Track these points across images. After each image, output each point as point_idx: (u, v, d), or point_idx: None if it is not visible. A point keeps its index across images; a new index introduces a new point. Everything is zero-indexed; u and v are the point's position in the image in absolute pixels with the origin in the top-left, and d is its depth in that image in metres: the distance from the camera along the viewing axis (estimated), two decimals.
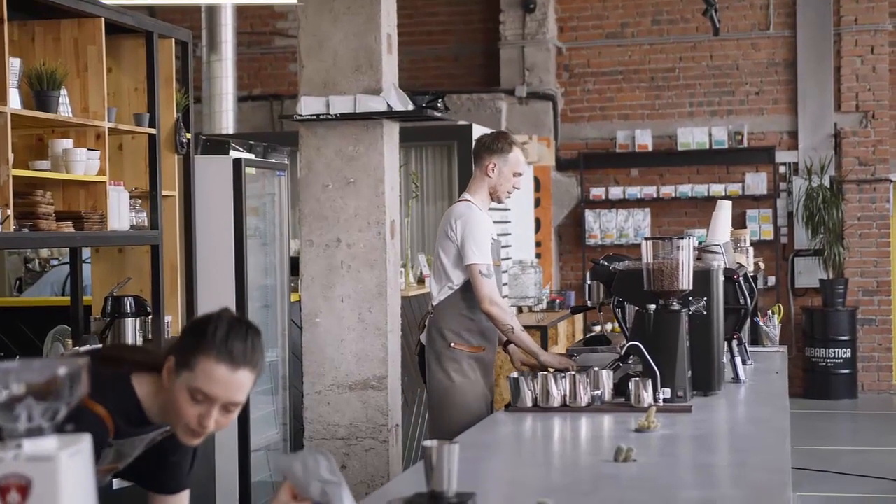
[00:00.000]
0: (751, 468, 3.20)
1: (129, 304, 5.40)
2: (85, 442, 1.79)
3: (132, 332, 5.39)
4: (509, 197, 5.39)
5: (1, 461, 1.71)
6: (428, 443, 2.74)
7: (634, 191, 12.73)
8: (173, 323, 5.81)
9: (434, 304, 5.27)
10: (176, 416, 2.58)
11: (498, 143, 5.26)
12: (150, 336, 5.57)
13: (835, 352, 12.10)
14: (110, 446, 2.63)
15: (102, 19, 5.15)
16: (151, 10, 12.67)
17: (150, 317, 5.53)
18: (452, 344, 5.16)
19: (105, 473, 2.73)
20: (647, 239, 4.44)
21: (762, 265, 9.86)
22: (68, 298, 5.72)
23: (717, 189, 12.47)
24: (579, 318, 11.28)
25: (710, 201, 12.38)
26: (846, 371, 12.14)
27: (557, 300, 11.16)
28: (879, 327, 12.48)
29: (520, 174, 5.29)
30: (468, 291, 5.15)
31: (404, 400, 6.54)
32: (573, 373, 4.30)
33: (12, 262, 9.06)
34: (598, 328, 12.18)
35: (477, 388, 5.17)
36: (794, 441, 9.16)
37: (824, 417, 11.40)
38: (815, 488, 8.23)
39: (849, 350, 12.12)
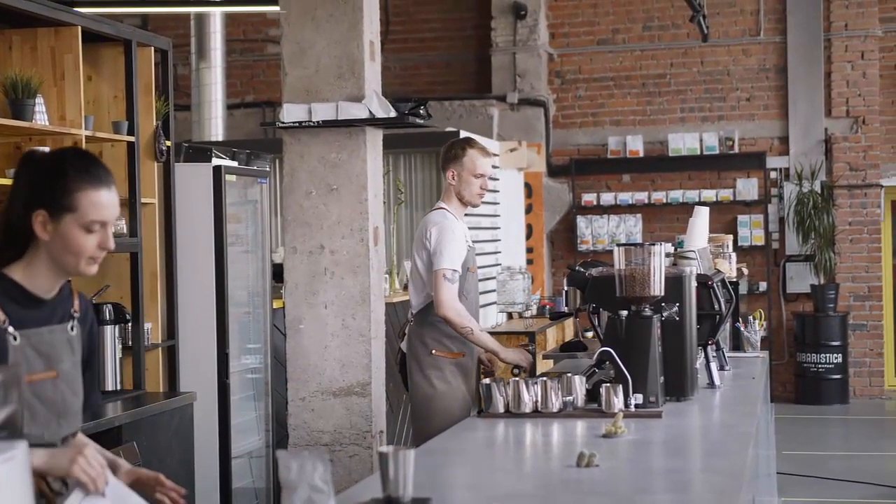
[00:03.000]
0: (708, 472, 3.22)
1: (108, 312, 5.41)
2: (20, 449, 1.81)
3: (111, 339, 5.40)
4: (481, 198, 5.44)
5: None
6: (383, 449, 2.76)
7: (626, 197, 12.75)
8: (153, 330, 5.82)
9: (414, 312, 5.35)
10: (74, 257, 2.66)
11: (451, 150, 5.40)
12: (129, 343, 5.59)
13: (826, 357, 12.11)
14: (15, 338, 2.62)
15: (79, 28, 5.17)
16: (144, 19, 12.72)
17: (129, 324, 5.55)
18: (434, 351, 5.24)
19: (44, 384, 2.68)
20: (619, 245, 4.45)
21: (745, 271, 9.85)
22: None
23: (709, 195, 12.48)
24: (569, 323, 11.29)
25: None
26: (837, 376, 12.14)
27: (548, 306, 11.17)
28: (871, 332, 12.49)
29: (481, 175, 5.35)
30: None
31: (389, 406, 6.56)
32: (545, 379, 4.30)
33: None
34: (590, 334, 12.20)
35: (458, 394, 5.23)
36: (784, 446, 9.20)
37: (815, 423, 11.41)
38: (804, 494, 8.24)
39: (840, 355, 12.13)
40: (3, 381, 1.78)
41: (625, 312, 4.38)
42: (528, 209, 12.34)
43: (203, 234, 6.20)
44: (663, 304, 4.46)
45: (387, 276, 8.12)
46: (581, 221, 12.83)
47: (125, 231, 5.56)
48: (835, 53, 12.50)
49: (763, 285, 12.43)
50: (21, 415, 2.49)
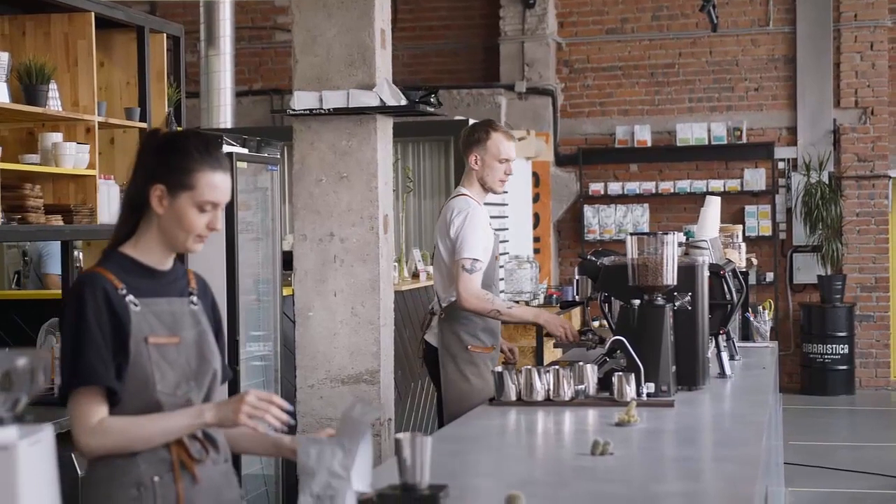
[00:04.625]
0: (723, 461, 3.22)
1: None
2: (45, 433, 1.81)
3: None
4: (504, 184, 5.28)
5: None
6: (400, 435, 2.76)
7: (633, 186, 12.75)
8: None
9: (444, 304, 5.18)
10: (185, 233, 2.79)
11: (475, 133, 5.22)
12: None
13: (832, 348, 12.11)
14: (135, 305, 2.75)
15: (92, 14, 5.17)
16: (152, 6, 12.71)
17: None
18: (469, 346, 5.11)
19: (168, 348, 2.80)
20: (631, 234, 4.45)
21: (755, 261, 9.87)
22: (60, 292, 5.73)
23: (716, 185, 12.48)
24: (577, 312, 11.30)
25: None
26: (844, 367, 12.15)
27: (555, 295, 11.17)
28: (877, 323, 12.49)
29: (505, 160, 5.19)
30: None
31: (397, 394, 6.56)
32: (558, 368, 4.30)
33: (11, 255, 9.08)
34: (596, 323, 12.20)
35: (491, 388, 5.13)
36: (790, 436, 9.21)
37: (821, 413, 11.41)
38: (810, 484, 8.25)
39: (846, 346, 12.13)
40: (28, 365, 1.79)
41: (637, 301, 4.38)
42: (536, 198, 12.33)
43: None
44: (676, 294, 4.45)
45: (395, 264, 8.12)
46: (588, 211, 12.83)
47: None
48: (844, 44, 12.47)
49: (770, 276, 12.43)
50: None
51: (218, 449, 2.89)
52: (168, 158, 2.79)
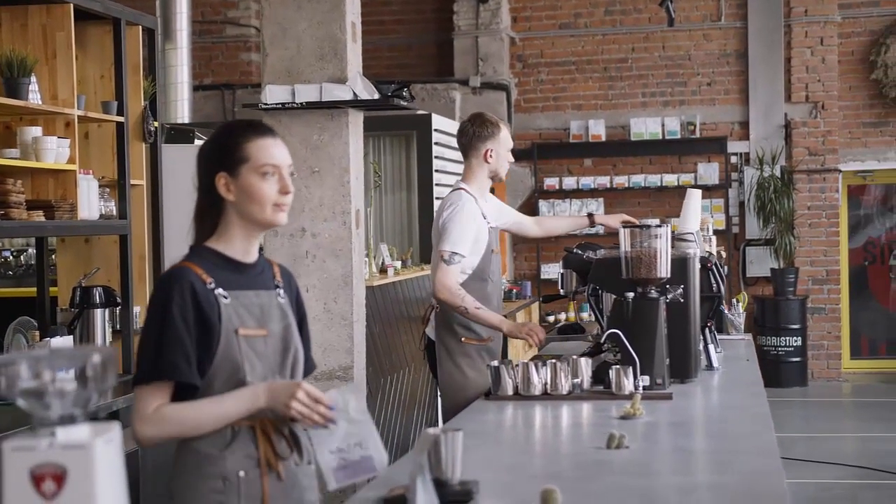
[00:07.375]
0: (742, 454, 3.21)
1: (97, 295, 5.32)
2: (115, 430, 1.77)
3: (101, 322, 5.32)
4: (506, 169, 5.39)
5: (35, 450, 1.69)
6: (432, 430, 2.73)
7: (588, 181, 12.79)
8: (142, 313, 5.74)
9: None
10: (259, 205, 2.81)
11: (487, 128, 5.23)
12: (118, 327, 5.50)
13: (785, 340, 12.24)
14: (225, 297, 2.79)
15: (71, 5, 5.07)
16: None
17: (118, 307, 5.47)
18: (463, 339, 5.11)
19: (256, 340, 2.82)
20: (625, 226, 4.45)
21: (724, 253, 9.95)
22: (34, 289, 5.62)
23: (670, 179, 12.55)
24: (535, 307, 11.35)
25: (662, 191, 12.49)
26: (797, 359, 12.28)
27: (514, 290, 11.21)
28: (829, 316, 12.64)
29: (511, 148, 5.32)
30: (474, 283, 5.08)
31: (369, 390, 6.52)
32: (555, 362, 4.28)
33: None
34: (551, 318, 12.24)
35: (486, 379, 5.08)
36: None
37: (775, 405, 11.40)
38: None
39: (799, 338, 12.27)
40: (101, 361, 1.74)
41: (631, 294, 4.38)
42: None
43: (188, 217, 6.10)
44: (668, 286, 4.46)
45: (365, 259, 8.08)
46: (543, 205, 12.85)
47: (115, 213, 5.47)
48: (794, 39, 12.60)
49: (724, 269, 12.51)
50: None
51: (301, 450, 2.88)
52: (219, 147, 2.86)
